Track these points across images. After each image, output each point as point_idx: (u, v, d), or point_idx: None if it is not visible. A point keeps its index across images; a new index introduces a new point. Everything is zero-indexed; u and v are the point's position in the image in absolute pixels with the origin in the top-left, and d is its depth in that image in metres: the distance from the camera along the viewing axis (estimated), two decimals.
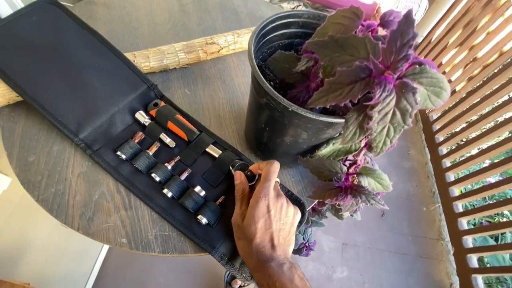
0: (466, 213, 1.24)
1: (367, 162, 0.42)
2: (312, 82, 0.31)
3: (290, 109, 0.29)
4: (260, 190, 0.36)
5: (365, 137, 0.31)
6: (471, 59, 1.29)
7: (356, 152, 0.38)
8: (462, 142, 1.36)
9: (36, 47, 0.45)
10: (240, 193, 0.40)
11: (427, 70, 0.25)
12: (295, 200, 0.43)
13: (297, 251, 0.76)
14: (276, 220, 0.35)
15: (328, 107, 0.27)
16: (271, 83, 0.37)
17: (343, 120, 0.28)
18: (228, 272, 1.08)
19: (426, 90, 0.26)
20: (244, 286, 1.05)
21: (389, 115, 0.25)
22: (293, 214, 0.38)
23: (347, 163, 0.42)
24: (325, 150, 0.38)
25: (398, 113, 0.25)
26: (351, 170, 0.38)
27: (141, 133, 0.44)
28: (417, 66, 0.25)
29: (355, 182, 0.40)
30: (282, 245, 0.36)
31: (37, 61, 0.44)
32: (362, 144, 0.37)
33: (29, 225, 0.78)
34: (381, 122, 0.26)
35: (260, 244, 0.34)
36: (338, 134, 0.37)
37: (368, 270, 1.21)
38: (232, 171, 0.43)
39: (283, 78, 0.34)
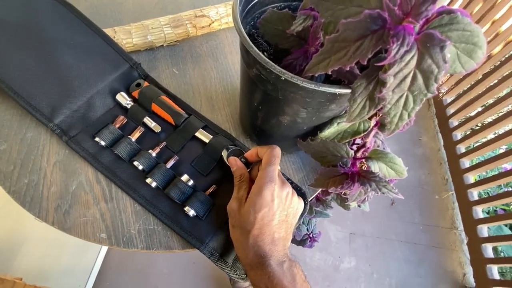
0: (481, 201, 1.17)
1: (378, 146, 0.37)
2: (310, 45, 0.26)
3: (283, 79, 0.23)
4: (264, 175, 0.31)
5: (376, 112, 0.26)
6: (492, 35, 1.19)
7: (365, 133, 0.32)
8: (477, 127, 1.28)
9: (4, 22, 0.40)
10: (239, 178, 0.35)
11: (458, 19, 0.19)
12: (295, 189, 0.39)
13: (301, 242, 0.72)
14: (280, 210, 0.31)
15: (330, 73, 0.22)
16: (264, 53, 0.32)
17: (349, 91, 0.23)
18: None
19: (456, 48, 0.21)
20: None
21: (408, 80, 0.20)
22: (297, 205, 0.34)
23: (354, 147, 0.37)
24: (328, 132, 0.33)
25: (419, 76, 0.19)
26: (359, 154, 0.33)
27: (122, 117, 0.40)
28: (445, 15, 0.20)
29: (364, 167, 0.35)
30: (282, 240, 0.31)
31: (6, 38, 0.40)
32: (372, 123, 0.32)
33: (25, 217, 0.77)
34: (397, 89, 0.20)
35: (258, 237, 0.30)
36: (344, 111, 0.32)
37: (377, 260, 1.17)
38: (224, 158, 0.39)
39: (277, 44, 0.28)
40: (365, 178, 0.30)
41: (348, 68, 0.20)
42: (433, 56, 0.18)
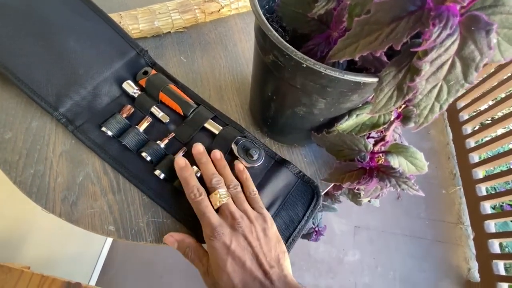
0: (489, 196, 1.16)
1: (395, 139, 0.35)
2: (333, 30, 0.24)
3: (304, 66, 0.22)
4: (205, 231, 0.29)
5: (405, 102, 0.24)
6: None
7: (385, 126, 0.31)
8: (488, 121, 1.25)
9: (6, 6, 0.39)
10: (190, 254, 0.31)
11: (504, 1, 0.18)
12: (306, 182, 0.38)
13: (306, 235, 0.71)
14: (246, 245, 0.28)
15: (357, 60, 0.20)
16: None
17: (376, 80, 0.21)
18: None
19: (497, 33, 0.19)
20: None
21: (445, 68, 0.18)
22: (265, 220, 0.31)
23: (371, 139, 0.35)
24: (346, 124, 0.31)
25: (458, 64, 0.18)
26: (376, 148, 0.32)
27: (129, 106, 0.39)
28: None
29: (381, 162, 0.33)
30: (276, 263, 0.28)
31: (8, 22, 0.38)
32: (393, 116, 0.30)
33: (31, 206, 0.76)
34: (432, 78, 0.18)
35: (247, 284, 0.27)
36: (364, 102, 0.30)
37: (381, 253, 1.17)
38: (235, 150, 0.37)
39: (295, 29, 0.26)
40: (385, 173, 0.29)
41: (378, 54, 0.18)
42: (477, 41, 0.16)
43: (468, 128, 1.33)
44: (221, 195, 0.31)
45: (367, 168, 0.30)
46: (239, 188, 0.34)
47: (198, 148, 0.36)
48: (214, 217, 0.30)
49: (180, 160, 0.34)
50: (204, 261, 0.30)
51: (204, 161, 0.35)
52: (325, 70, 0.21)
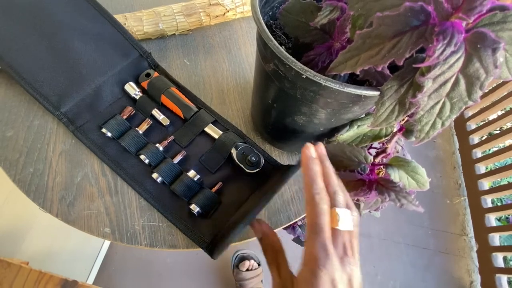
0: (495, 208, 1.13)
1: (397, 152, 0.35)
2: (335, 41, 0.24)
3: (304, 77, 0.21)
4: (314, 252, 0.22)
5: (406, 117, 0.23)
6: None
7: (386, 138, 0.30)
8: (496, 131, 1.23)
9: (12, 7, 0.39)
10: (270, 253, 0.26)
11: None
12: None
13: (300, 241, 0.70)
14: None
15: (358, 73, 0.20)
16: (282, 47, 0.29)
17: (377, 93, 0.21)
18: (235, 255, 1.06)
19: (505, 51, 0.18)
20: (252, 269, 1.02)
21: (449, 85, 0.17)
22: (358, 268, 0.25)
23: (372, 151, 0.34)
24: (347, 134, 0.31)
25: (462, 81, 0.17)
26: (377, 160, 0.31)
27: (130, 107, 0.39)
28: (498, 12, 0.17)
29: (381, 174, 0.32)
30: None
31: (14, 22, 0.38)
32: (396, 128, 0.29)
33: (32, 203, 0.77)
34: (434, 94, 0.18)
35: None
36: (365, 113, 0.30)
37: (382, 262, 1.15)
38: (234, 155, 0.37)
39: (297, 38, 0.26)
40: (384, 187, 0.28)
41: (380, 69, 0.18)
42: (483, 59, 0.16)
43: (475, 138, 1.30)
44: (343, 216, 0.24)
45: (367, 180, 0.30)
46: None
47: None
48: (330, 243, 0.23)
49: (310, 148, 0.25)
50: (283, 273, 0.25)
51: (328, 165, 0.26)
52: (325, 82, 0.20)
